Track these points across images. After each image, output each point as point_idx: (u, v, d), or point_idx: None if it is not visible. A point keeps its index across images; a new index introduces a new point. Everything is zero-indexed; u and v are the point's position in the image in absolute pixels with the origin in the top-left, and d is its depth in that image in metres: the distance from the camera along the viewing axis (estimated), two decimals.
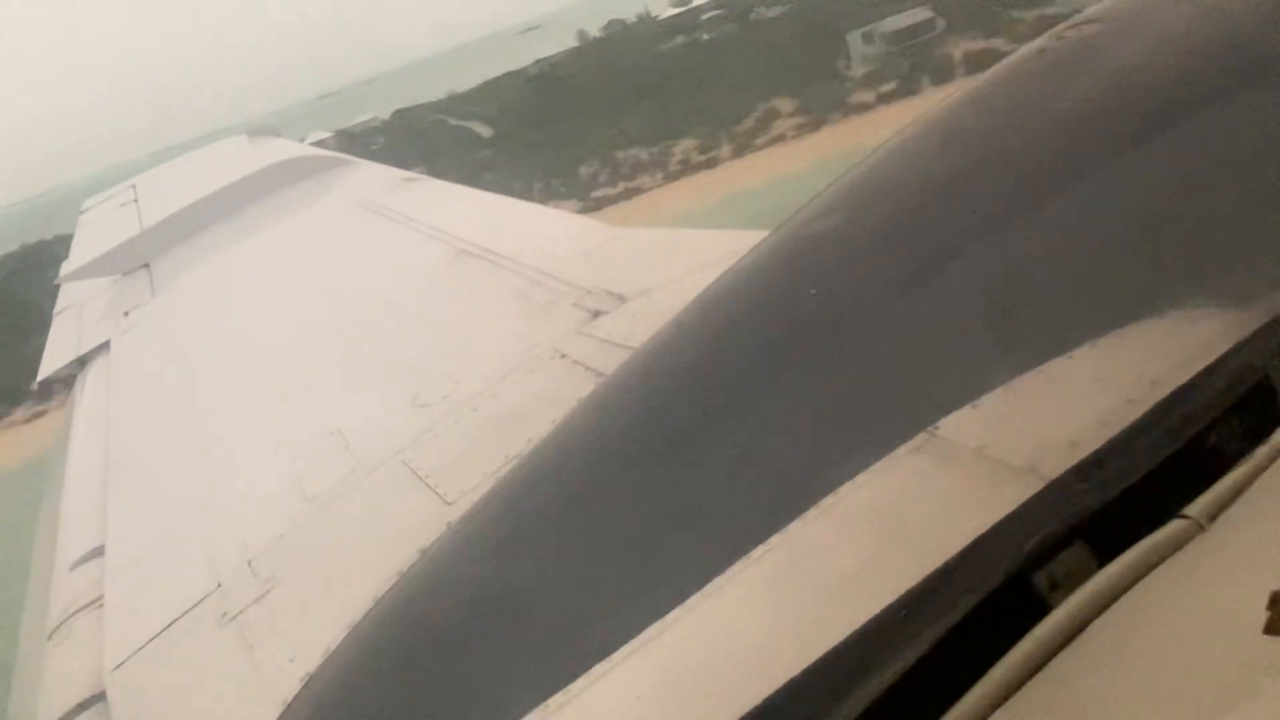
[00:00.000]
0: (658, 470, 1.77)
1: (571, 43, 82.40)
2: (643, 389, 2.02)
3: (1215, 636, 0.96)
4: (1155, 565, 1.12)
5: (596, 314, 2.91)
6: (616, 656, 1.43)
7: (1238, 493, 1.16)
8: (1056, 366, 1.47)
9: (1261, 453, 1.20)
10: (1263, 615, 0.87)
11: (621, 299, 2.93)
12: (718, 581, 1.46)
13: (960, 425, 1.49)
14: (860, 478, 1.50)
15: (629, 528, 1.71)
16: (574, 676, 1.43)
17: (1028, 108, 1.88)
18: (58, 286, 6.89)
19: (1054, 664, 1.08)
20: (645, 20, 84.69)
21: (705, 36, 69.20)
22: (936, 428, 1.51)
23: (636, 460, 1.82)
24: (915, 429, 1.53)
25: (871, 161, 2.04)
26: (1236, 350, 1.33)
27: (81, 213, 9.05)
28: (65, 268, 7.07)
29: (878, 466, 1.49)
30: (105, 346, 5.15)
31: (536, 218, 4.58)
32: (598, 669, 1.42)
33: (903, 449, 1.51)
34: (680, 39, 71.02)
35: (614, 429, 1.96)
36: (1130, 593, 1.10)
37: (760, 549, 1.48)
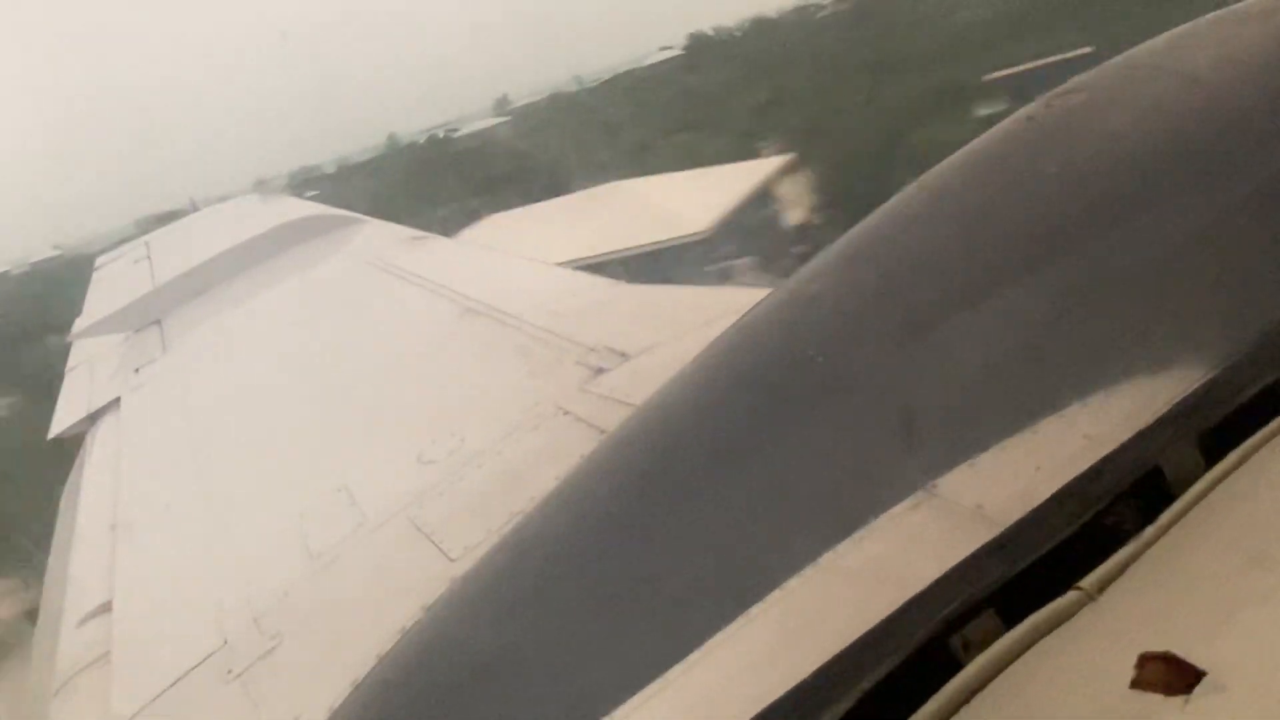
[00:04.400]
0: (659, 527, 1.79)
1: None
2: (645, 446, 2.05)
3: (1092, 693, 1.11)
4: (1050, 631, 1.26)
5: (599, 371, 2.94)
6: (618, 714, 1.44)
7: (1125, 567, 1.29)
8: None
9: (1148, 532, 1.33)
10: (1131, 673, 1.02)
11: (624, 356, 2.97)
12: (718, 638, 1.48)
13: (954, 485, 1.53)
14: (858, 535, 1.53)
15: (630, 585, 1.73)
16: None
17: (1016, 174, 1.93)
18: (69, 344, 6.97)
19: (958, 717, 1.22)
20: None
21: None
22: (935, 486, 1.54)
23: (638, 517, 1.84)
24: (912, 487, 1.56)
25: (868, 225, 2.09)
26: (1135, 440, 1.46)
27: (95, 270, 9.17)
28: (78, 324, 7.16)
29: (874, 525, 1.52)
30: (116, 403, 5.20)
31: (542, 275, 4.65)
32: None
33: (899, 508, 1.54)
34: None
35: (616, 486, 1.98)
36: (1027, 654, 1.24)
37: (759, 606, 1.50)
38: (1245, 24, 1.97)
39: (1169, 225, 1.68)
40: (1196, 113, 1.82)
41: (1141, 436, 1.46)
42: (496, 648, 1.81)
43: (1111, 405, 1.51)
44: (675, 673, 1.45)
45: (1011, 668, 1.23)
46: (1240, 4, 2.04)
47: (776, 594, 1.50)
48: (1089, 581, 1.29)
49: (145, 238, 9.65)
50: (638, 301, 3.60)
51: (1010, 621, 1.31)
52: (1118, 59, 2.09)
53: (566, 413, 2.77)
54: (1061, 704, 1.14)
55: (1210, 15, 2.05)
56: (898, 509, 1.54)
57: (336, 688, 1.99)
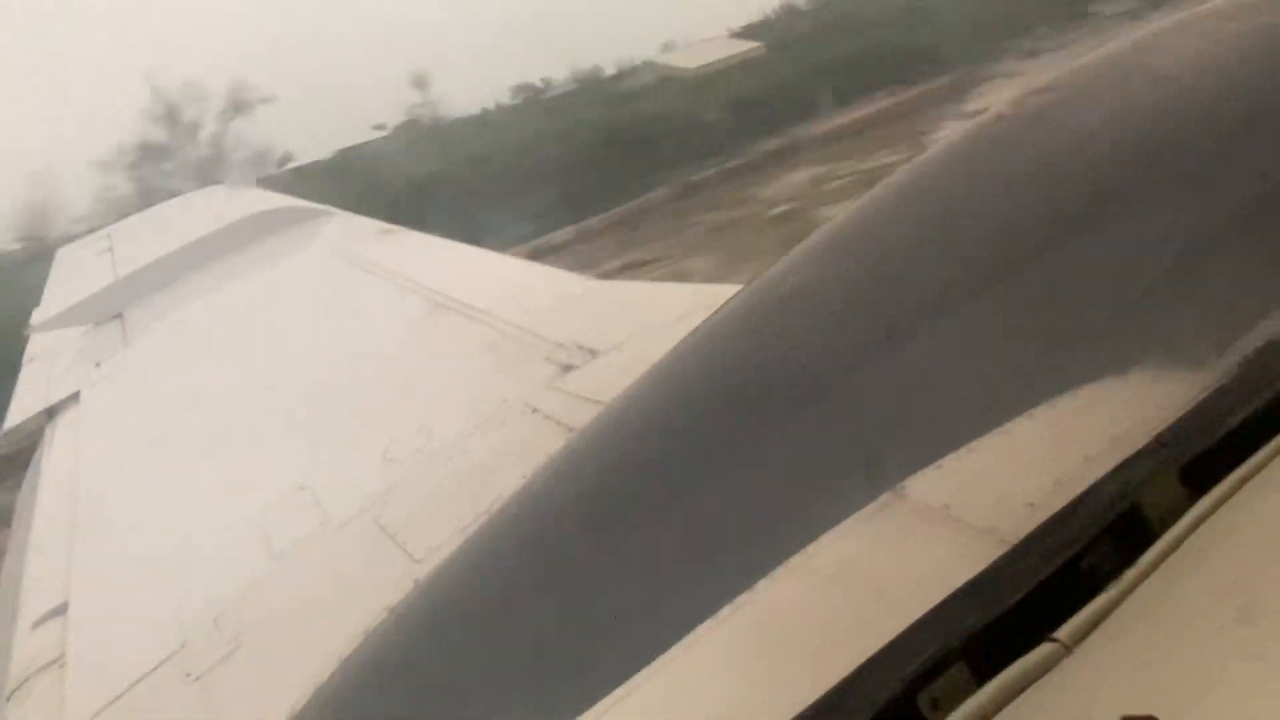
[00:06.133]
0: (626, 528, 1.77)
1: None
2: (612, 445, 2.03)
3: None
4: (1025, 687, 1.16)
5: (568, 368, 2.92)
6: (587, 717, 1.42)
7: (1103, 616, 1.20)
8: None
9: (1128, 576, 1.24)
10: None
11: (593, 353, 2.95)
12: (686, 641, 1.46)
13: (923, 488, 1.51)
14: (825, 538, 1.51)
15: (596, 586, 1.71)
16: None
17: (986, 172, 1.92)
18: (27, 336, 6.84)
19: None
20: None
21: None
22: (903, 487, 1.53)
23: (605, 517, 1.82)
24: (881, 489, 1.54)
25: (839, 223, 2.08)
26: (1110, 476, 1.36)
27: (55, 261, 9.00)
28: (36, 316, 7.02)
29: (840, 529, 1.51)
30: (75, 397, 5.09)
31: (512, 270, 4.61)
32: None
33: (867, 509, 1.52)
34: None
35: (583, 485, 1.96)
36: (1003, 713, 1.15)
37: (728, 609, 1.48)
38: (1217, 21, 1.97)
39: (1143, 228, 1.67)
40: (1168, 110, 1.82)
41: (1120, 469, 1.37)
42: (460, 649, 1.79)
43: (1084, 406, 1.48)
44: (641, 676, 1.43)
45: None
46: (1212, 2, 2.05)
47: (745, 596, 1.48)
48: (1065, 632, 1.20)
49: (108, 228, 9.49)
50: (607, 297, 3.58)
51: (981, 675, 1.23)
52: (1090, 56, 2.09)
53: (534, 410, 2.75)
54: None
55: (1183, 13, 2.05)
56: (866, 510, 1.53)
57: (297, 690, 1.95)
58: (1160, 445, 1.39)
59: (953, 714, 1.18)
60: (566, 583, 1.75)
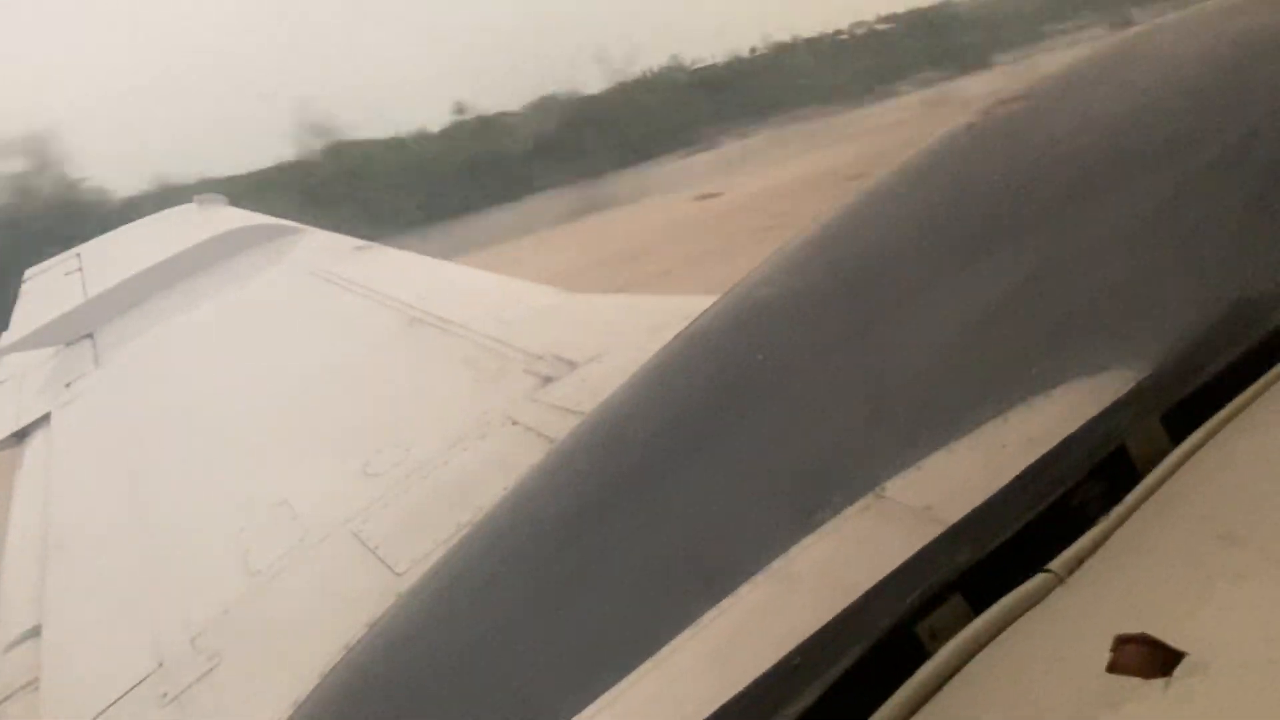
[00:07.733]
0: (608, 536, 1.77)
1: None
2: (593, 455, 2.03)
3: (1067, 677, 1.09)
4: (1020, 615, 1.23)
5: (548, 380, 2.92)
6: None
7: (1094, 548, 1.28)
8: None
9: (1116, 512, 1.32)
10: (1107, 656, 1.01)
11: (572, 365, 2.95)
12: (669, 647, 1.46)
13: (904, 486, 1.53)
14: (808, 540, 1.52)
15: (580, 595, 1.71)
16: None
17: (957, 180, 1.96)
18: None
19: (927, 708, 1.19)
20: None
21: None
22: (883, 489, 1.54)
23: (586, 527, 1.82)
24: (861, 491, 1.56)
25: (814, 232, 2.10)
26: (1099, 419, 1.46)
27: (24, 281, 8.87)
28: (5, 339, 6.91)
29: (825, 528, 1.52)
30: (46, 419, 5.02)
31: (488, 284, 4.61)
32: None
33: (848, 511, 1.53)
34: None
35: (564, 496, 1.96)
36: (997, 640, 1.22)
37: (710, 614, 1.48)
38: (1185, 30, 2.03)
39: (1108, 224, 1.70)
40: (1132, 120, 1.86)
41: (1105, 415, 1.45)
42: (442, 663, 1.78)
43: (1059, 404, 1.51)
44: (625, 684, 1.43)
45: (982, 654, 1.21)
46: (1178, 14, 2.10)
47: (728, 601, 1.49)
48: (1058, 563, 1.27)
49: (77, 249, 9.37)
50: (585, 309, 3.59)
51: (979, 607, 1.29)
52: (1059, 68, 2.13)
53: (514, 422, 2.75)
54: (1036, 689, 1.11)
55: (1148, 24, 2.10)
56: (847, 512, 1.54)
57: (277, 708, 1.93)
58: (1143, 393, 1.47)
59: (951, 641, 1.24)
60: (549, 594, 1.75)
